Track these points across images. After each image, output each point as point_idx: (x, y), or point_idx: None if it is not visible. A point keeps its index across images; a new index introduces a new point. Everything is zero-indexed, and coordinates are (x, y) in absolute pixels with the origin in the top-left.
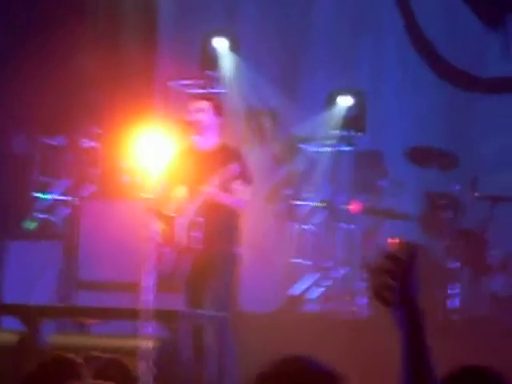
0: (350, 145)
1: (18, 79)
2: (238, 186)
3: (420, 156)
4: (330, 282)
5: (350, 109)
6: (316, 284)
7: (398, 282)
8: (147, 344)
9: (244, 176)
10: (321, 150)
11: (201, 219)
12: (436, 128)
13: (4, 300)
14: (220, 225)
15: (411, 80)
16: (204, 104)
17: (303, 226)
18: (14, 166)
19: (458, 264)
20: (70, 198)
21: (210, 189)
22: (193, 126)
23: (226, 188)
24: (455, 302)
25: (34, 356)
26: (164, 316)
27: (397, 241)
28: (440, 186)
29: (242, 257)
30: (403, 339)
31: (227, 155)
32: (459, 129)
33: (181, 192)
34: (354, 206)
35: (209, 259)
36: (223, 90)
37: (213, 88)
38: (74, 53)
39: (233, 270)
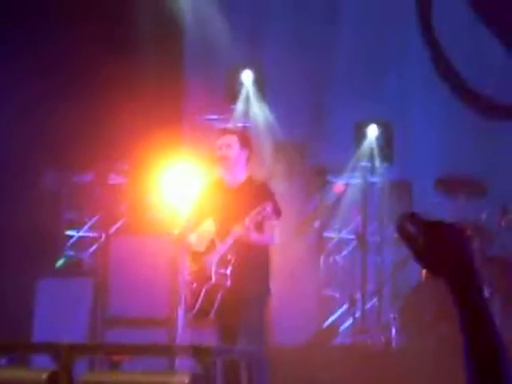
0: (377, 175)
1: (46, 118)
2: (268, 222)
3: (448, 185)
4: (360, 314)
5: (376, 140)
6: (346, 316)
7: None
8: (181, 380)
9: (274, 212)
10: (349, 180)
11: (230, 256)
12: (463, 157)
13: (35, 338)
14: (250, 262)
15: (437, 109)
16: (231, 138)
17: (333, 258)
18: (44, 203)
19: (488, 292)
20: (97, 234)
21: (241, 230)
22: (220, 161)
23: (256, 225)
24: None
25: None
26: (197, 352)
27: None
28: (467, 215)
29: (273, 290)
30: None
31: (256, 191)
32: (487, 157)
33: (209, 227)
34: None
35: (239, 296)
36: (250, 124)
37: (239, 122)
38: (102, 91)
39: (264, 305)
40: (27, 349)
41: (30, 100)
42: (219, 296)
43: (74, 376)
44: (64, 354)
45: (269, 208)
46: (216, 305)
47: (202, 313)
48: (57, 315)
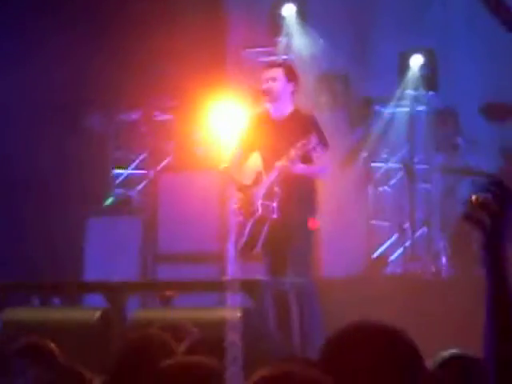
0: (423, 104)
1: (92, 57)
2: (315, 154)
3: (494, 112)
4: (410, 243)
5: (421, 68)
6: (396, 245)
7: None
8: (232, 315)
9: (320, 143)
10: (395, 110)
11: (277, 189)
12: (507, 84)
13: (86, 277)
14: (297, 194)
15: (481, 38)
16: (276, 71)
17: (381, 188)
18: (91, 143)
19: None
20: (146, 172)
21: (286, 162)
22: (266, 94)
23: (303, 157)
24: None
25: (119, 332)
26: (247, 286)
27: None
28: None
29: (321, 223)
30: (487, 280)
31: (302, 123)
32: None
33: (256, 161)
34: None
35: (287, 228)
36: (294, 56)
37: (283, 54)
38: (146, 28)
39: (312, 237)
40: (79, 288)
41: (74, 40)
42: (266, 228)
43: (126, 313)
44: (116, 293)
45: (314, 139)
46: (263, 237)
47: (249, 245)
48: (107, 253)
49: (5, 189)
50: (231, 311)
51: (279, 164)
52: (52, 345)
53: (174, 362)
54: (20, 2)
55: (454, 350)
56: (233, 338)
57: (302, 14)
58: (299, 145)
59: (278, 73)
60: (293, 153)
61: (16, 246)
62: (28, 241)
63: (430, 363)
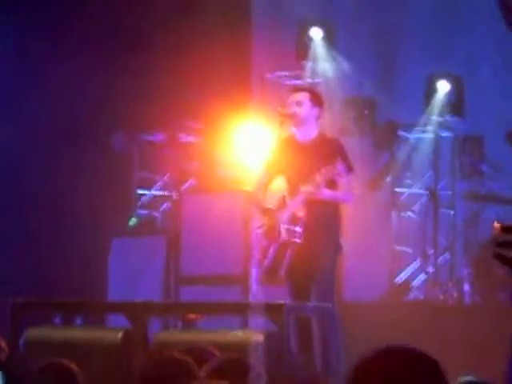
0: (449, 130)
1: (117, 78)
2: (340, 179)
3: None
4: (433, 269)
5: (448, 94)
6: (419, 271)
7: None
8: (255, 338)
9: (345, 168)
10: (420, 135)
11: (301, 214)
12: None
13: (109, 297)
14: (321, 219)
15: (509, 62)
16: (302, 96)
17: (405, 213)
18: (114, 163)
19: None
20: (170, 193)
21: (311, 187)
22: (292, 118)
23: (328, 182)
24: None
25: (142, 354)
26: (270, 309)
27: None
28: None
29: (344, 247)
30: None
31: (328, 148)
32: None
33: (280, 184)
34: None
35: (311, 252)
36: (320, 80)
37: (309, 78)
38: (173, 51)
39: (335, 262)
40: (102, 308)
41: (99, 60)
42: (289, 253)
43: (149, 335)
44: (139, 313)
45: (339, 164)
46: (286, 261)
47: (272, 269)
48: (130, 274)
49: (26, 208)
50: (254, 334)
51: (304, 189)
52: (73, 365)
53: None
54: (45, 27)
55: (471, 376)
56: (255, 362)
57: (329, 38)
58: (324, 170)
59: (304, 97)
60: (318, 178)
61: (38, 264)
62: (51, 260)
63: None
